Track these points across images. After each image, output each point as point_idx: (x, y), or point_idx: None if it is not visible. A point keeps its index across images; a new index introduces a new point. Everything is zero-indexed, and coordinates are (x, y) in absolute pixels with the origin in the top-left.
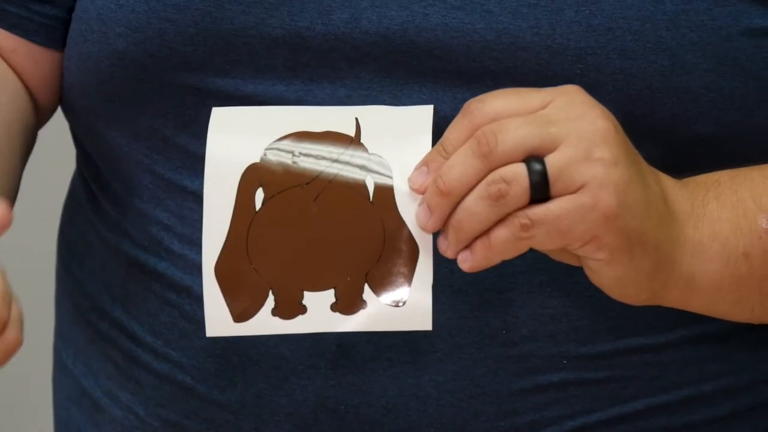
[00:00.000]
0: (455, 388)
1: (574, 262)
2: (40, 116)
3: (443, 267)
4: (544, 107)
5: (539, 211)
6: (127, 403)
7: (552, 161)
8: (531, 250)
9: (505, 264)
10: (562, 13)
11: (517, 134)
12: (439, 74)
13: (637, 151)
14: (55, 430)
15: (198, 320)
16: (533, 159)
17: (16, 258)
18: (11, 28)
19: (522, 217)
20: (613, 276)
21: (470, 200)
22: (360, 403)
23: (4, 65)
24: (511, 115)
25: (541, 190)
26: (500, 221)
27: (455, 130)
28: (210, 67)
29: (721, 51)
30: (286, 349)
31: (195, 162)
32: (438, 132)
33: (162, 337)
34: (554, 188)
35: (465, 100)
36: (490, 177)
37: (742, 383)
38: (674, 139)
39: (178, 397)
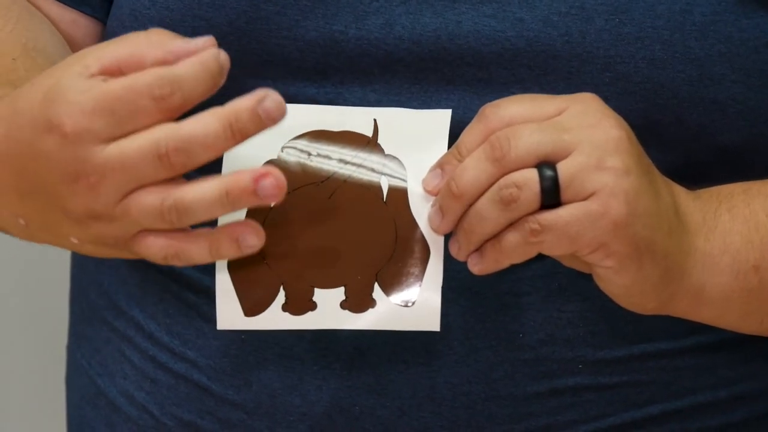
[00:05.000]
0: (470, 391)
1: (584, 269)
2: None
3: (461, 269)
4: (559, 114)
5: (549, 216)
6: (142, 402)
7: (563, 168)
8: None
9: (523, 267)
10: (592, 22)
11: (530, 140)
12: (470, 81)
13: (650, 161)
14: (68, 430)
15: (215, 320)
16: (545, 165)
17: (28, 258)
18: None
19: (532, 222)
20: (621, 284)
21: (482, 204)
22: (374, 404)
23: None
24: (525, 120)
25: (551, 196)
26: (510, 225)
27: (470, 133)
28: (241, 66)
29: (749, 63)
30: (301, 349)
31: (217, 159)
32: (457, 137)
33: (179, 336)
34: (565, 195)
35: None
36: (502, 181)
37: (757, 390)
38: (700, 148)
39: (193, 397)
